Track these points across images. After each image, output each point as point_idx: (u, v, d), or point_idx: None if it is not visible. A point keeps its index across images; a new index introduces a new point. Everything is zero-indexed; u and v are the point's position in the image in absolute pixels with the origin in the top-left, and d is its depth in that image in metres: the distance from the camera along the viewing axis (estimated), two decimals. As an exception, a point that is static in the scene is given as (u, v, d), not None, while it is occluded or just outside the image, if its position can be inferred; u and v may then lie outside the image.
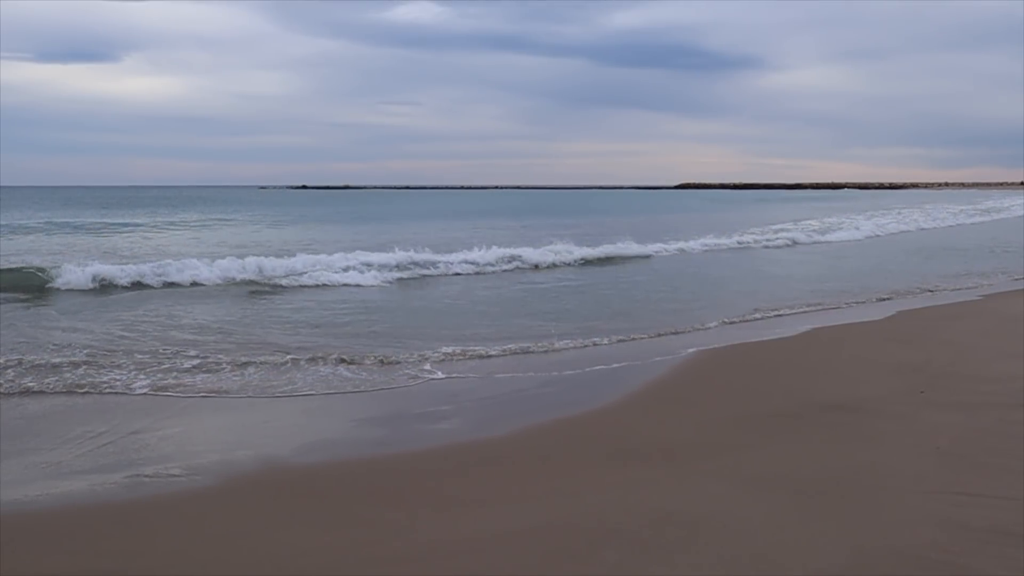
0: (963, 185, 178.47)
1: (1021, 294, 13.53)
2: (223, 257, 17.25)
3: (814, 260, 21.54)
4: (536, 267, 19.09)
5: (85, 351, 9.01)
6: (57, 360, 8.45)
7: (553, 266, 19.43)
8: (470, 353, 9.08)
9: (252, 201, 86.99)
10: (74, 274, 14.91)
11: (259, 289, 14.96)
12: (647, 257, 22.03)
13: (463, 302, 13.59)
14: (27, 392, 7.38)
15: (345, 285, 15.56)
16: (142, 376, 7.95)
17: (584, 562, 3.92)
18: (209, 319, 11.47)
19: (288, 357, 8.77)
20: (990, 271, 17.63)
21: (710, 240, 25.98)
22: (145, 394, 7.39)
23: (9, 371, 8.02)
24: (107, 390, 7.49)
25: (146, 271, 15.65)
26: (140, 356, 8.81)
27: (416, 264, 18.18)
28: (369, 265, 17.46)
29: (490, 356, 9.02)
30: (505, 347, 9.40)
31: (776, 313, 11.93)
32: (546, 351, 9.32)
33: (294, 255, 18.07)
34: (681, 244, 24.55)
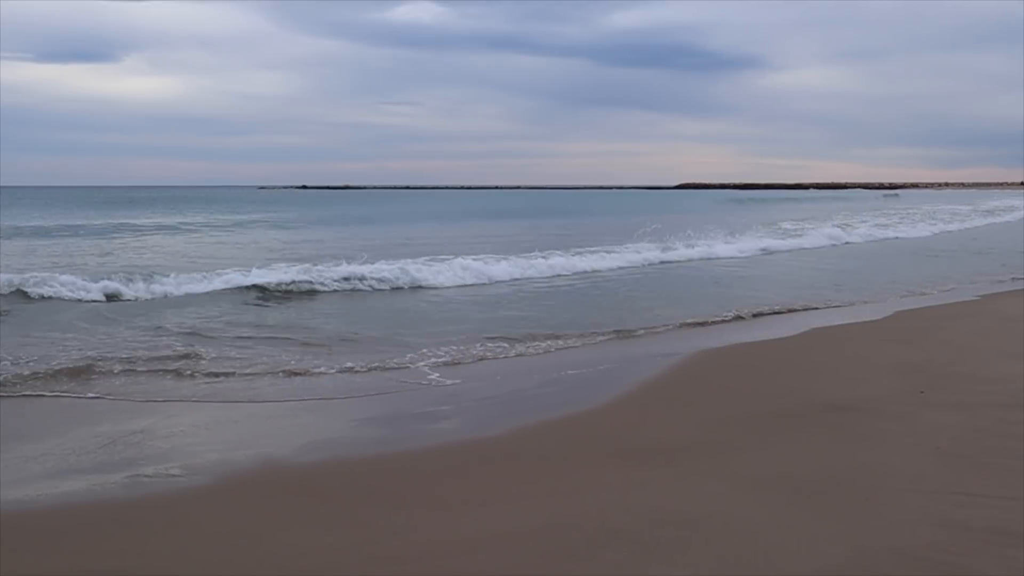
0: (963, 185, 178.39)
1: (1021, 294, 13.54)
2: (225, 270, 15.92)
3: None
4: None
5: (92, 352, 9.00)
6: (60, 362, 8.45)
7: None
8: (470, 353, 9.09)
9: (257, 200, 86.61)
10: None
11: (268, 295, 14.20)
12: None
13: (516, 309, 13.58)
14: (27, 393, 7.38)
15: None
16: (142, 377, 7.96)
17: (584, 562, 3.92)
18: (209, 320, 11.47)
19: (289, 357, 8.77)
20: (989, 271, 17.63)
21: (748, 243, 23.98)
22: (145, 394, 7.39)
23: (9, 371, 8.02)
24: (107, 391, 7.49)
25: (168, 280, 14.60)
26: (140, 356, 8.82)
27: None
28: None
29: (490, 356, 9.03)
30: (504, 346, 9.41)
31: (774, 311, 11.94)
32: (546, 351, 9.32)
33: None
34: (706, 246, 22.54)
